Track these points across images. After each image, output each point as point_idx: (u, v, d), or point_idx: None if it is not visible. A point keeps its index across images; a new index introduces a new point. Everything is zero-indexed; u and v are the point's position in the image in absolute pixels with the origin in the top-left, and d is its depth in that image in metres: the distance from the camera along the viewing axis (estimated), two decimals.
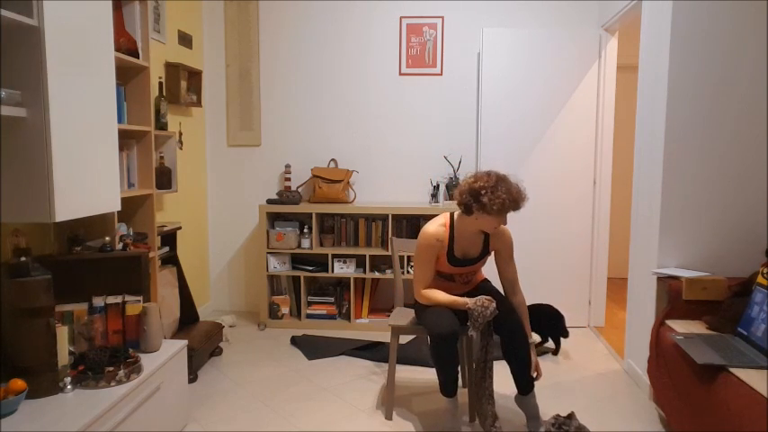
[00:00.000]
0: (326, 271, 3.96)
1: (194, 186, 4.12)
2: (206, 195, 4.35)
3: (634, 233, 3.10)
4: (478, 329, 2.33)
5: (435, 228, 2.47)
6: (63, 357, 1.97)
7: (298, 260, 4.09)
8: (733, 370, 1.93)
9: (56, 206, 1.89)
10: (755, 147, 2.66)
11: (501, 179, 2.35)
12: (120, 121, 2.61)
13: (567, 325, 3.46)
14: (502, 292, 2.63)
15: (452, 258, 2.51)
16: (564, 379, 3.10)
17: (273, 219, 4.11)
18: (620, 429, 2.53)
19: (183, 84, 3.75)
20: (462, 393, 2.85)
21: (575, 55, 3.78)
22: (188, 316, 3.34)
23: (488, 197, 2.29)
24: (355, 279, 3.96)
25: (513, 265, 2.58)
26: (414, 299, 2.65)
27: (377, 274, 3.90)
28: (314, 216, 3.93)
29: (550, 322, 3.42)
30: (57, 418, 1.75)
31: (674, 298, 2.54)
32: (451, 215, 2.53)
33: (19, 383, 1.79)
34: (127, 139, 2.82)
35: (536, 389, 2.92)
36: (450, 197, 4.07)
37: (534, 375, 2.46)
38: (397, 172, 4.24)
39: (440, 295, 2.47)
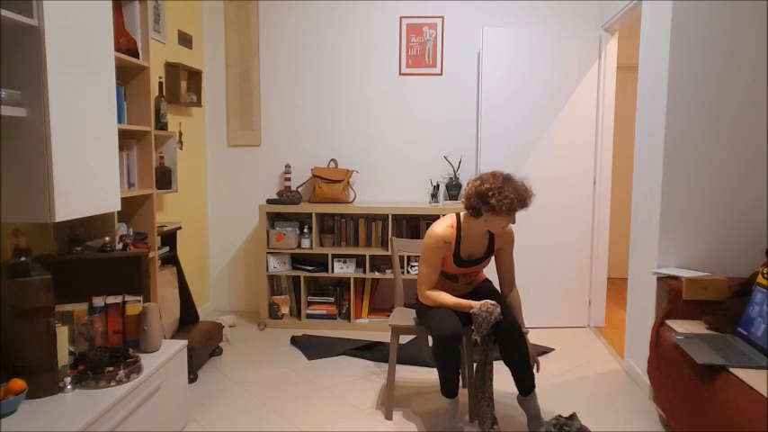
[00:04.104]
0: (326, 271, 3.96)
1: (194, 186, 4.12)
2: (206, 195, 4.35)
3: (634, 233, 3.10)
4: (482, 334, 2.32)
5: (443, 229, 2.47)
6: (63, 357, 1.97)
7: (298, 260, 4.09)
8: (733, 370, 1.93)
9: (56, 206, 1.89)
10: (755, 147, 2.66)
11: (506, 179, 2.35)
12: (120, 121, 2.61)
13: (568, 324, 3.46)
14: (498, 286, 2.64)
15: (458, 259, 2.51)
16: (564, 379, 3.10)
17: (273, 219, 4.11)
18: (620, 429, 2.53)
19: (183, 84, 3.75)
20: (463, 393, 2.85)
21: (575, 55, 3.78)
22: (188, 316, 3.34)
23: (496, 198, 2.29)
24: (355, 279, 3.96)
25: (512, 259, 2.60)
26: (414, 299, 2.65)
27: (377, 274, 3.90)
28: (314, 216, 3.93)
29: None
30: (57, 418, 1.75)
31: (674, 298, 2.54)
32: (458, 215, 2.52)
33: (19, 383, 1.79)
34: (127, 139, 2.82)
35: (536, 389, 2.92)
36: (450, 197, 4.07)
37: (534, 367, 2.46)
38: (397, 172, 4.24)
39: (444, 297, 2.47)
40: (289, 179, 4.13)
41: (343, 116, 4.23)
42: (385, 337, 3.76)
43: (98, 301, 2.26)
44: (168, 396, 2.30)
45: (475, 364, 2.46)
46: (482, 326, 2.31)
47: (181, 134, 3.84)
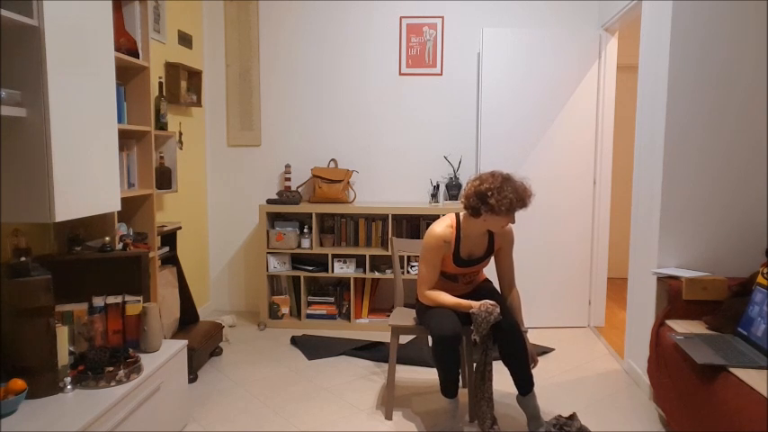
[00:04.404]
0: (326, 271, 3.96)
1: (194, 186, 4.12)
2: (206, 195, 4.35)
3: (634, 233, 3.10)
4: (482, 334, 2.32)
5: (443, 229, 2.47)
6: (63, 357, 1.97)
7: (298, 260, 4.09)
8: (733, 370, 1.93)
9: (56, 206, 1.89)
10: (755, 147, 2.66)
11: (506, 179, 2.35)
12: (120, 121, 2.61)
13: (568, 324, 3.46)
14: (498, 287, 2.64)
15: (458, 259, 2.51)
16: (564, 379, 3.10)
17: (273, 219, 4.11)
18: (620, 429, 2.53)
19: (183, 84, 3.75)
20: (463, 393, 2.85)
21: (575, 55, 3.78)
22: (188, 316, 3.34)
23: (495, 198, 2.29)
24: (355, 279, 3.96)
25: (512, 259, 2.61)
26: (414, 299, 2.65)
27: (377, 274, 3.90)
28: (314, 216, 3.93)
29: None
30: (57, 418, 1.75)
31: (674, 298, 2.54)
32: (457, 215, 2.53)
33: (19, 383, 1.79)
34: (127, 139, 2.82)
35: (536, 389, 2.92)
36: (450, 197, 4.07)
37: (532, 366, 2.46)
38: (397, 172, 4.24)
39: (444, 297, 2.47)
40: (289, 179, 4.13)
41: (343, 116, 4.23)
42: (385, 337, 3.76)
43: (98, 301, 2.26)
44: (168, 396, 2.30)
45: (475, 365, 2.46)
46: (481, 326, 2.31)
47: (181, 134, 3.84)
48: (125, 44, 2.67)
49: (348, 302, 4.00)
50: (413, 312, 2.80)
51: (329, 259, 3.91)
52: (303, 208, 3.90)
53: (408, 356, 3.32)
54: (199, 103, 3.91)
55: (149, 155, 2.88)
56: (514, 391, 2.50)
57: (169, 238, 3.31)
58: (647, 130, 2.96)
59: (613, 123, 3.90)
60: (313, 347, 3.53)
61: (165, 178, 3.29)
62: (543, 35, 3.77)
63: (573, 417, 2.42)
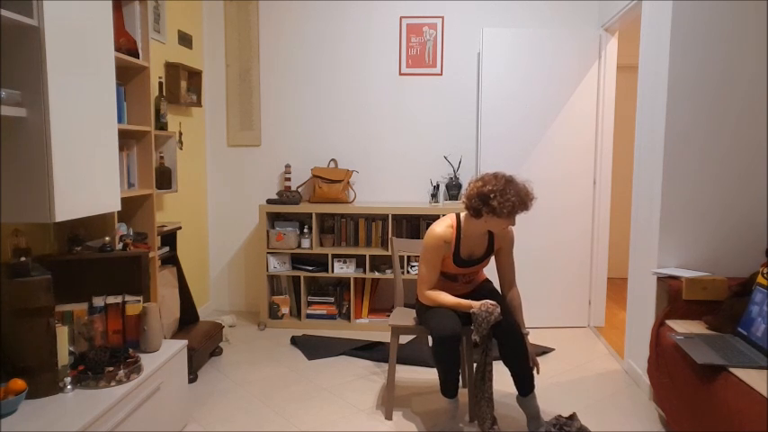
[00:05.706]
0: (326, 271, 3.96)
1: (194, 186, 4.12)
2: (206, 195, 4.35)
3: (634, 233, 3.10)
4: (482, 334, 2.32)
5: (443, 229, 2.47)
6: (63, 357, 1.97)
7: (298, 260, 4.09)
8: (733, 370, 1.93)
9: (56, 206, 1.89)
10: (755, 147, 2.66)
11: (509, 181, 2.34)
12: (120, 121, 2.61)
13: (568, 324, 3.46)
14: (498, 286, 2.64)
15: (458, 259, 2.51)
16: (564, 379, 3.10)
17: (273, 219, 4.11)
18: (620, 429, 2.53)
19: (183, 84, 3.75)
20: (463, 393, 2.85)
21: (575, 55, 3.78)
22: (188, 316, 3.34)
23: (498, 200, 2.29)
24: (355, 279, 3.96)
25: (513, 259, 2.60)
26: (414, 299, 2.65)
27: (377, 274, 3.90)
28: (314, 216, 3.93)
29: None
30: (57, 418, 1.75)
31: (674, 298, 2.54)
32: (458, 215, 2.53)
33: (19, 383, 1.79)
34: (127, 139, 2.82)
35: (536, 389, 2.92)
36: (450, 197, 4.07)
37: (533, 368, 2.45)
38: (396, 172, 4.24)
39: (444, 297, 2.47)
40: (289, 179, 4.13)
41: (343, 116, 4.23)
42: (385, 337, 3.76)
43: (98, 301, 2.26)
44: (168, 396, 2.30)
45: (475, 365, 2.46)
46: (482, 326, 2.31)
47: (181, 134, 3.84)
48: (125, 44, 2.67)
49: (348, 302, 4.00)
50: (413, 312, 2.80)
51: (329, 259, 3.91)
52: (303, 208, 3.90)
53: (408, 356, 3.32)
54: (199, 103, 3.91)
55: (149, 155, 2.88)
56: (514, 391, 2.50)
57: (169, 238, 3.31)
58: (647, 130, 2.96)
59: (613, 123, 3.89)
60: (313, 347, 3.53)
61: (165, 178, 3.29)
62: (543, 35, 3.77)
63: (573, 417, 2.42)
